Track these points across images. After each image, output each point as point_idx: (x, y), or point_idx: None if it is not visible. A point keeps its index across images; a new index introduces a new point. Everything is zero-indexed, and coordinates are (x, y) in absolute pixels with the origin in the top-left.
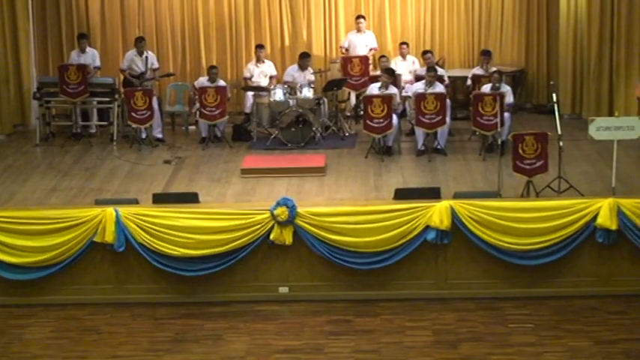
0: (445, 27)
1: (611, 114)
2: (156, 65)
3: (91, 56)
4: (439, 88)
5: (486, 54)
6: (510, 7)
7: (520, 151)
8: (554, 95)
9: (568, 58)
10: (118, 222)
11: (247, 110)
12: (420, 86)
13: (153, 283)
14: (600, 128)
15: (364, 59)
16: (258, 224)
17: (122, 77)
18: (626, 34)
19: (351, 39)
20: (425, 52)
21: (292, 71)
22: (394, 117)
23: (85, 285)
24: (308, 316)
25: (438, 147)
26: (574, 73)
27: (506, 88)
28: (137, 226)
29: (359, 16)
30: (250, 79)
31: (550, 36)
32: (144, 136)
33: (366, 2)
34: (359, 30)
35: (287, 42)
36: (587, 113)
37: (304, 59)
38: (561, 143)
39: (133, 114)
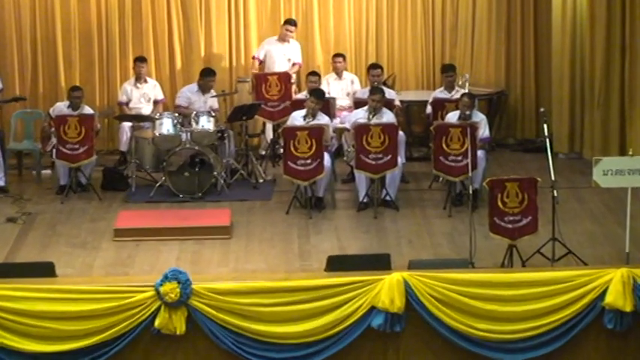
0: (396, 34)
1: (622, 152)
2: None
3: None
4: (387, 116)
5: (449, 70)
6: (485, 7)
7: (499, 203)
8: (545, 127)
9: (564, 77)
10: None
11: (123, 148)
12: (361, 114)
13: None
14: (609, 172)
15: (284, 77)
16: (139, 306)
17: None
18: None
19: (269, 49)
20: (372, 67)
21: (189, 92)
22: (326, 157)
23: None
24: None
25: (387, 198)
26: (572, 96)
27: (479, 117)
28: None
29: (289, 21)
30: (127, 104)
31: (539, 46)
32: None
33: (287, 0)
34: (282, 38)
35: (178, 54)
36: (590, 151)
37: (207, 78)
38: (556, 192)
39: None
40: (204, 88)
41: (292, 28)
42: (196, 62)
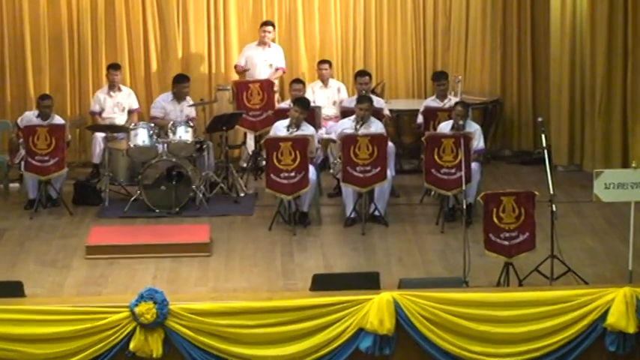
0: (385, 39)
1: (625, 164)
2: None
3: None
4: (376, 126)
5: (440, 78)
6: (479, 12)
7: (495, 219)
8: (543, 138)
9: (563, 84)
10: None
11: (96, 160)
12: (348, 124)
13: None
14: (610, 185)
15: (267, 85)
16: (113, 328)
17: None
18: None
19: (250, 55)
20: (360, 74)
21: (164, 102)
22: (311, 169)
23: None
24: None
25: (376, 213)
26: (571, 105)
27: (473, 128)
28: None
29: (266, 23)
30: (100, 114)
31: (536, 51)
32: None
33: (270, 2)
34: (262, 42)
35: (154, 61)
36: (591, 164)
37: (180, 84)
38: (554, 207)
39: None
40: (178, 96)
41: (270, 28)
42: (173, 69)
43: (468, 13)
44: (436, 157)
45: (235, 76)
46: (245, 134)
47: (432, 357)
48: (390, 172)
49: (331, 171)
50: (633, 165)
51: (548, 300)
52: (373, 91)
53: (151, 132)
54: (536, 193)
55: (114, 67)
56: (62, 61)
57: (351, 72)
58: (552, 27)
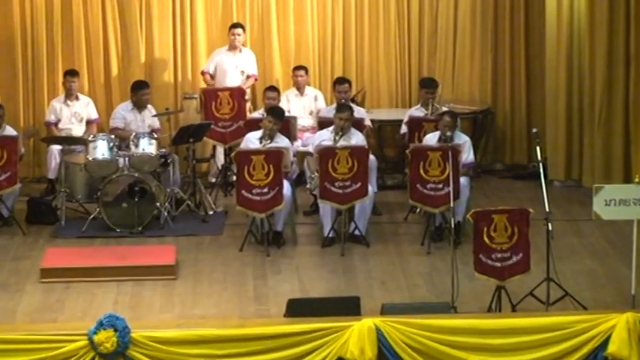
0: (366, 43)
1: (627, 179)
2: None
3: None
4: (356, 138)
5: (429, 85)
6: (468, 13)
7: (486, 238)
8: (538, 150)
9: (559, 92)
10: None
11: (51, 175)
12: (326, 136)
13: None
14: (611, 202)
15: (237, 93)
16: (69, 358)
17: None
18: None
19: (219, 60)
20: (339, 81)
21: (124, 111)
22: (285, 185)
23: None
24: None
25: (356, 233)
26: (569, 115)
27: (462, 139)
28: None
29: (235, 25)
30: (56, 124)
31: (530, 57)
32: None
33: (241, 4)
34: (233, 47)
35: (115, 67)
36: (590, 178)
37: (140, 91)
38: (550, 226)
39: None
40: (139, 105)
41: (239, 31)
42: (135, 76)
43: (456, 14)
44: (422, 171)
45: (203, 84)
46: (214, 147)
47: None
48: (371, 188)
49: (308, 187)
50: (636, 180)
51: (544, 327)
52: (353, 100)
53: (112, 144)
54: (531, 210)
55: (71, 73)
56: (14, 67)
57: (330, 79)
58: (548, 29)
